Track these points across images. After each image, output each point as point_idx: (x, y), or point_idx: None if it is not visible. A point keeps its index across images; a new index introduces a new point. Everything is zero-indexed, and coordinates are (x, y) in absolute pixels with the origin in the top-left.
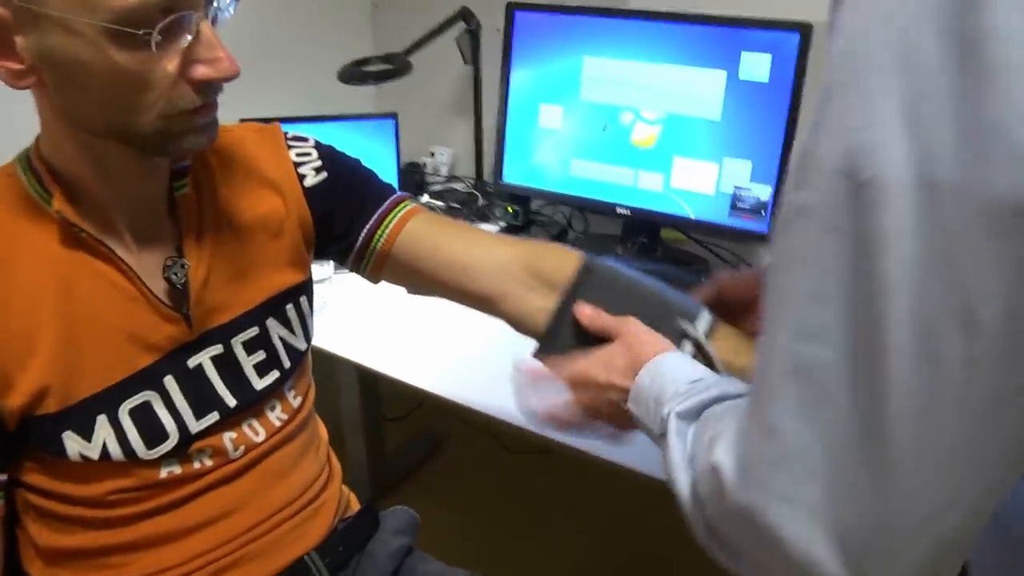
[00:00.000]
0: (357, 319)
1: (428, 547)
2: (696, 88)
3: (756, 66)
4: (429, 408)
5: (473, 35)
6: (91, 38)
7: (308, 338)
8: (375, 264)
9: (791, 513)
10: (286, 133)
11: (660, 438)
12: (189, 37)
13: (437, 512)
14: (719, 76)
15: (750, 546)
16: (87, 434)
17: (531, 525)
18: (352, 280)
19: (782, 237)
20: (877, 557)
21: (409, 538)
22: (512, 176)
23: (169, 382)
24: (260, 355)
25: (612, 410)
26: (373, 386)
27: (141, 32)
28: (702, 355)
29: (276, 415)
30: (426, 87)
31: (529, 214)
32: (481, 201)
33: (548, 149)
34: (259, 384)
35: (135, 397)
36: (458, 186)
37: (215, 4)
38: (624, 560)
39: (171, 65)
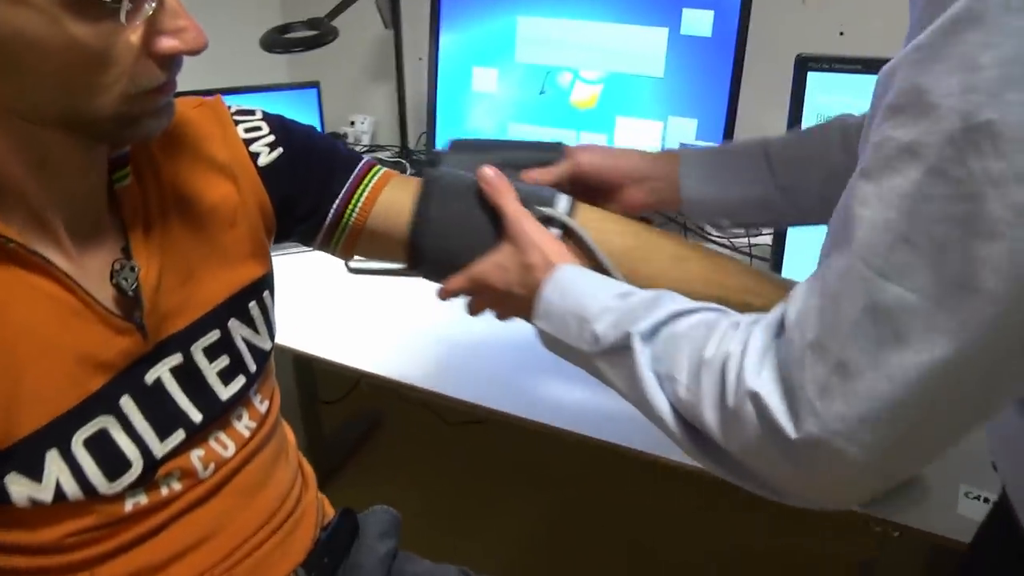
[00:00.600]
0: (289, 303)
1: None
2: (637, 45)
3: (698, 22)
4: (366, 388)
5: None
6: (43, 8)
7: (272, 336)
8: (347, 241)
9: (847, 444)
10: (230, 107)
11: (596, 356)
12: (154, 4)
13: (383, 490)
14: (660, 33)
15: (780, 470)
16: (36, 474)
17: (480, 493)
18: (283, 264)
19: (878, 173)
20: (905, 473)
21: (394, 540)
22: (445, 143)
23: (126, 403)
24: (223, 361)
25: (512, 312)
26: (308, 370)
27: (110, 0)
28: (571, 236)
29: (244, 424)
30: (341, 53)
31: None
32: (409, 170)
33: (483, 113)
34: (224, 393)
35: (89, 425)
36: (383, 155)
37: None
38: (579, 516)
39: (135, 37)
